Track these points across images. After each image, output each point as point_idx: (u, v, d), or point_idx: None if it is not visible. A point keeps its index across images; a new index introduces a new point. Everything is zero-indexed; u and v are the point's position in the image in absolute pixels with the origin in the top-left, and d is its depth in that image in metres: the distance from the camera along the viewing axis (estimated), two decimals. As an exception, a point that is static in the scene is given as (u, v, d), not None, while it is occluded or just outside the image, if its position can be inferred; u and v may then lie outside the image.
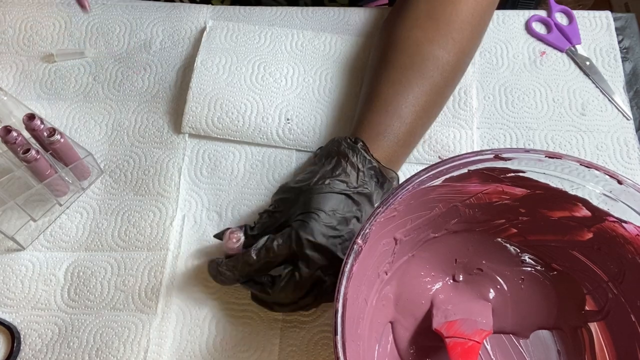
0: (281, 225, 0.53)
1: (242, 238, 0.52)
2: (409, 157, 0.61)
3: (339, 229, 0.51)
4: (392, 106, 0.56)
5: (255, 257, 0.50)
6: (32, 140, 0.57)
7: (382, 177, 0.54)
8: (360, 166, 0.53)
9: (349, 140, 0.54)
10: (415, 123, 0.57)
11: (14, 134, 0.54)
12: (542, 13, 0.71)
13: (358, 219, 0.53)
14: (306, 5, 0.74)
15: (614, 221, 0.48)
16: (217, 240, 0.56)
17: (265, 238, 0.51)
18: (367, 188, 0.53)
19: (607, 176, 0.45)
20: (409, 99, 0.56)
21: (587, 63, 0.67)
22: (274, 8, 0.71)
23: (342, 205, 0.52)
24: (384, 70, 0.59)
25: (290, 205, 0.54)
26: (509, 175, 0.49)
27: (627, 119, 0.64)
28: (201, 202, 0.60)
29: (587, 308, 0.53)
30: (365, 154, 0.53)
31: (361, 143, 0.54)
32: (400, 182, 0.56)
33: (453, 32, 0.58)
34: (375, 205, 0.55)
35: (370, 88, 0.59)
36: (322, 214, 0.51)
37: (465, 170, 0.47)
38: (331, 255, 0.50)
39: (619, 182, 0.45)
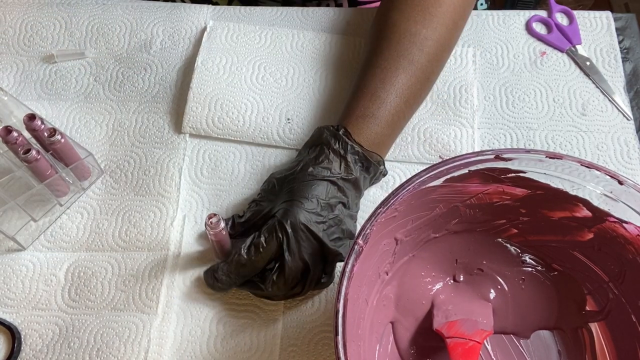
0: (267, 215, 0.54)
1: (222, 224, 0.52)
2: (410, 157, 0.62)
3: (323, 215, 0.52)
4: (373, 90, 0.56)
5: (245, 256, 0.51)
6: (33, 141, 0.57)
7: (367, 161, 0.55)
8: (342, 152, 0.54)
9: (332, 128, 0.55)
10: (398, 105, 0.57)
11: (15, 134, 0.54)
12: (542, 13, 0.71)
13: (344, 205, 0.54)
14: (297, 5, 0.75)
15: (614, 221, 0.48)
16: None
17: (252, 236, 0.52)
18: (352, 174, 0.54)
19: (608, 176, 0.46)
20: (390, 81, 0.56)
21: (588, 63, 0.67)
22: (274, 8, 0.71)
23: (325, 191, 0.53)
24: (367, 58, 0.60)
25: (276, 194, 0.55)
26: (510, 175, 0.49)
27: (628, 119, 0.64)
28: (202, 202, 0.60)
29: (587, 308, 0.53)
30: (348, 140, 0.54)
31: (343, 130, 0.55)
32: (401, 180, 0.56)
33: (430, 8, 0.58)
34: (363, 189, 0.56)
35: (357, 77, 0.60)
36: (305, 200, 0.52)
37: (465, 171, 0.47)
38: (316, 240, 0.51)
39: (620, 183, 0.45)
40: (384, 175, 0.59)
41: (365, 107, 0.56)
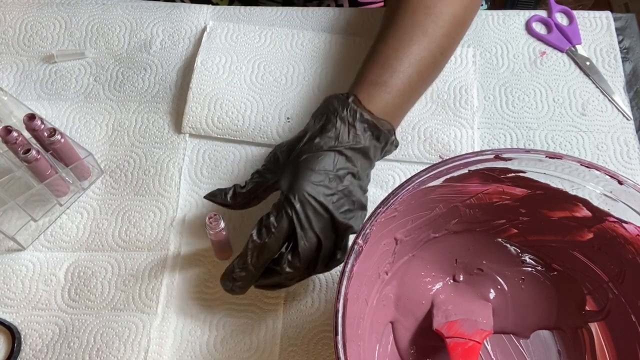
0: (271, 187, 0.53)
1: (222, 224, 0.52)
2: (410, 156, 0.62)
3: (331, 187, 0.50)
4: (385, 58, 0.55)
5: (259, 240, 0.49)
6: (33, 141, 0.57)
7: (377, 129, 0.53)
8: (350, 120, 0.52)
9: (341, 95, 0.54)
10: (411, 76, 0.55)
11: (15, 134, 0.54)
12: (542, 13, 0.71)
13: (354, 175, 0.52)
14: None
15: (614, 221, 0.48)
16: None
17: (260, 219, 0.50)
18: (360, 143, 0.52)
19: (608, 176, 0.45)
20: (404, 51, 0.55)
21: (587, 63, 0.67)
22: (274, 8, 0.71)
23: (333, 162, 0.51)
24: (381, 29, 0.59)
25: (281, 166, 0.53)
26: (510, 175, 0.49)
27: (627, 119, 0.64)
28: (202, 202, 0.60)
29: (587, 308, 0.53)
30: (357, 107, 0.52)
31: (353, 97, 0.53)
32: (401, 180, 0.56)
33: None
34: (373, 159, 0.54)
35: (371, 49, 0.58)
36: (312, 173, 0.50)
37: (465, 171, 0.47)
38: (326, 213, 0.49)
39: (620, 183, 0.45)
40: (396, 146, 0.56)
41: (378, 75, 0.54)
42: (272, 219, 0.49)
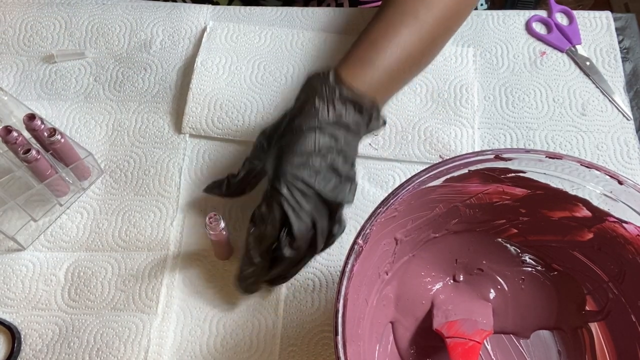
0: (260, 173, 0.54)
1: (222, 224, 0.52)
2: (410, 156, 0.61)
3: (315, 166, 0.50)
4: (373, 39, 0.55)
5: (256, 231, 0.50)
6: (33, 141, 0.57)
7: (357, 104, 0.52)
8: (330, 97, 0.51)
9: (321, 73, 0.53)
10: (399, 58, 0.55)
11: (15, 134, 0.54)
12: (542, 13, 0.71)
13: (338, 151, 0.51)
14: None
15: (614, 221, 0.48)
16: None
17: (252, 213, 0.52)
18: (342, 118, 0.51)
19: (608, 176, 0.45)
20: (394, 33, 0.55)
21: (587, 63, 0.67)
22: (274, 8, 0.71)
23: (314, 141, 0.50)
24: (379, 15, 0.58)
25: (266, 151, 0.53)
26: (510, 175, 0.49)
27: (627, 119, 0.64)
28: (202, 202, 0.60)
29: (587, 308, 0.53)
30: (335, 84, 0.51)
31: (334, 74, 0.52)
32: (401, 180, 0.56)
33: None
34: (357, 133, 0.53)
35: (363, 31, 0.57)
36: (294, 156, 0.50)
37: (465, 171, 0.47)
38: (313, 192, 0.50)
39: (620, 183, 0.45)
40: (384, 123, 0.56)
41: (364, 52, 0.54)
42: (263, 208, 0.50)
